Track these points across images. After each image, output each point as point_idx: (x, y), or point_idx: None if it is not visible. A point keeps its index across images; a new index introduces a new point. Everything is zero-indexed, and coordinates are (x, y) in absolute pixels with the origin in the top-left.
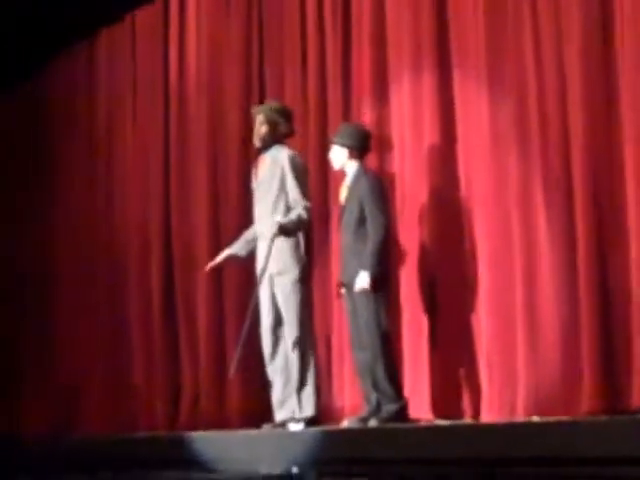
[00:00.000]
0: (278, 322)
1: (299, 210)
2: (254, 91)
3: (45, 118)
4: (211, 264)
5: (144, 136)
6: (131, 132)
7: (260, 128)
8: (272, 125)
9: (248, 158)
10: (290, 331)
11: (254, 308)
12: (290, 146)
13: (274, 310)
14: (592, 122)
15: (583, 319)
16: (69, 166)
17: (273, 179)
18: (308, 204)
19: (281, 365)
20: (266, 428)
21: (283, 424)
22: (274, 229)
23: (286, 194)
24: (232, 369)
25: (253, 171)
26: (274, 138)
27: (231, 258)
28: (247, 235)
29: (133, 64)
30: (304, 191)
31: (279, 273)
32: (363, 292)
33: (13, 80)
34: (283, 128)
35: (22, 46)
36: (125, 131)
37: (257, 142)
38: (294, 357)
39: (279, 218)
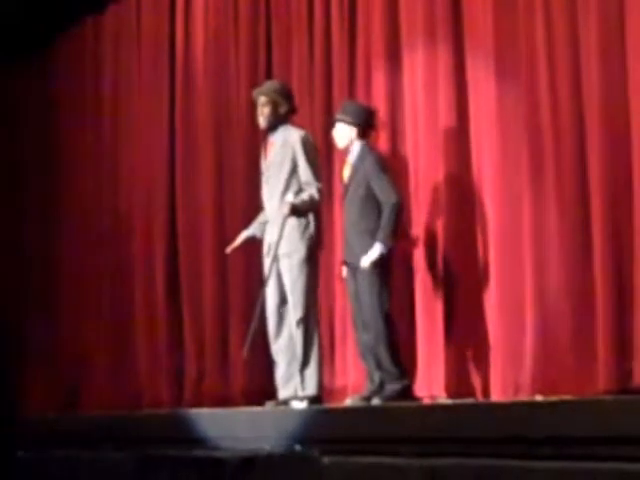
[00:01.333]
0: (283, 301)
1: (311, 191)
2: (261, 67)
3: (51, 93)
4: (231, 246)
5: (150, 116)
6: (137, 111)
7: (263, 109)
8: (274, 105)
9: (254, 139)
10: (295, 311)
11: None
12: (297, 125)
13: (279, 289)
14: (608, 105)
15: (597, 301)
16: (75, 144)
17: (284, 160)
18: (320, 185)
19: (285, 344)
20: (269, 406)
21: (286, 402)
22: (286, 209)
23: (297, 175)
24: (245, 350)
25: (262, 152)
26: (278, 118)
27: (248, 240)
28: (261, 217)
29: (139, 41)
30: (316, 172)
31: (287, 253)
32: (366, 271)
33: (21, 54)
34: (285, 107)
35: (30, 21)
36: (131, 110)
37: (262, 123)
38: (298, 336)
39: (291, 198)
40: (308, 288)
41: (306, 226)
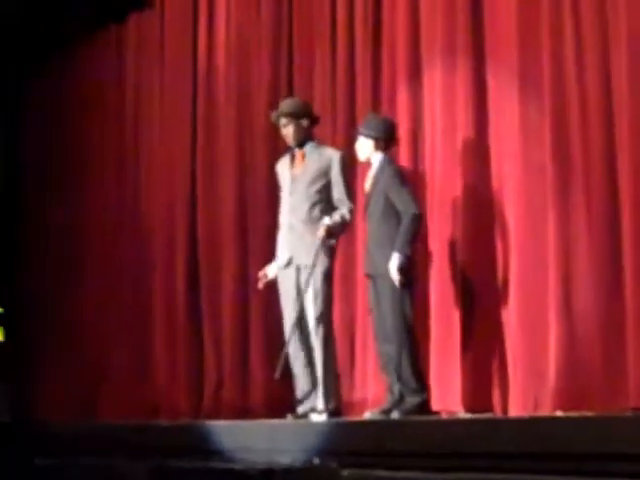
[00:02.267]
0: (302, 314)
1: (344, 211)
2: (282, 78)
3: (74, 99)
4: (265, 281)
5: (172, 122)
6: (158, 119)
7: (288, 130)
8: (296, 122)
9: (276, 146)
10: (316, 324)
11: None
12: (321, 139)
13: (299, 302)
14: (639, 117)
15: (626, 316)
16: (97, 149)
17: (319, 176)
18: (352, 206)
19: (305, 357)
20: (289, 418)
21: (306, 415)
22: (322, 232)
23: (327, 192)
24: (278, 372)
25: (282, 166)
26: (304, 133)
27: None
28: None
29: (161, 49)
30: (349, 192)
31: (310, 266)
32: (388, 281)
33: (43, 62)
34: (306, 120)
35: (52, 28)
36: (152, 118)
37: (292, 143)
38: (318, 349)
39: (328, 221)
40: (329, 300)
41: (325, 242)
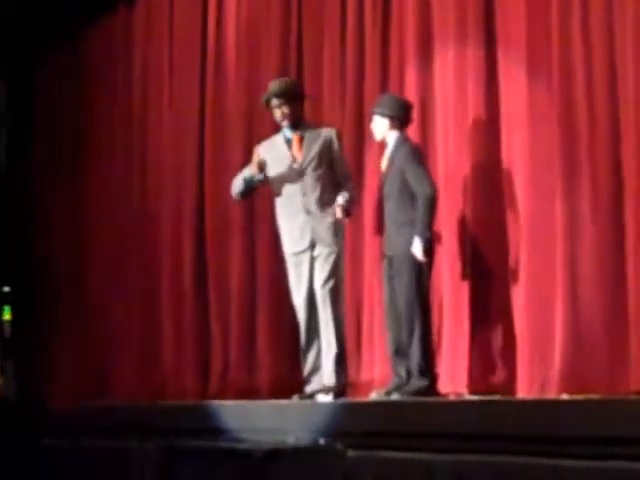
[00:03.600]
0: (313, 296)
1: (351, 188)
2: (292, 60)
3: (83, 82)
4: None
5: (180, 108)
6: (167, 103)
7: (282, 109)
8: (289, 104)
9: None
10: (326, 306)
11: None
12: (330, 121)
13: (309, 284)
14: None
15: (630, 299)
16: (104, 133)
17: (323, 155)
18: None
19: (315, 338)
20: (295, 399)
21: (312, 395)
22: (339, 212)
23: (332, 170)
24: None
25: (283, 149)
26: (299, 115)
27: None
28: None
29: (170, 33)
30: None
31: (323, 249)
32: (406, 262)
33: (51, 44)
34: (299, 102)
35: (64, 9)
36: (161, 102)
37: (286, 123)
38: (330, 330)
39: (341, 200)
40: (340, 282)
41: (340, 222)
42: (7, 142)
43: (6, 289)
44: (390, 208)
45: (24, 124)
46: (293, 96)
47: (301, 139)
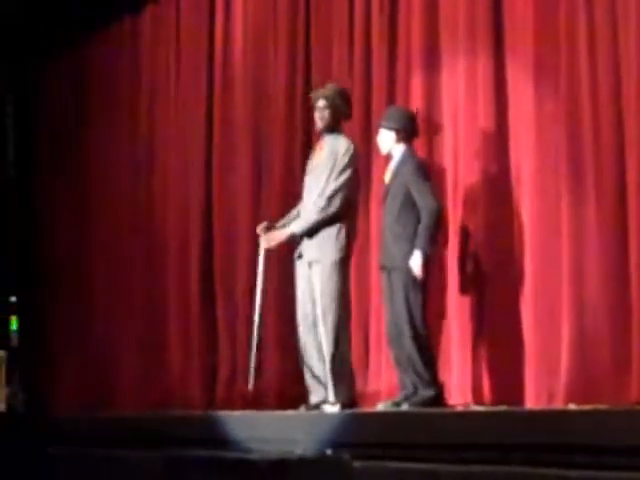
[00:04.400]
0: (314, 306)
1: (306, 216)
2: (299, 69)
3: (89, 90)
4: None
5: (187, 113)
6: (174, 108)
7: (323, 112)
8: (334, 109)
9: (292, 138)
10: (324, 316)
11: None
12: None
13: (311, 296)
14: None
15: (634, 310)
16: (110, 140)
17: (327, 166)
18: (322, 203)
19: (316, 348)
20: (302, 409)
21: (318, 406)
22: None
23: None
24: (250, 382)
25: (312, 153)
26: (336, 122)
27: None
28: (293, 213)
29: (177, 41)
30: (342, 181)
31: (317, 258)
32: (403, 275)
33: (58, 53)
34: (344, 112)
35: (67, 19)
36: (168, 108)
37: (320, 126)
38: (327, 341)
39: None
40: (338, 293)
41: (338, 232)
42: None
43: (13, 299)
44: (389, 220)
45: (28, 131)
46: (340, 104)
47: (322, 147)
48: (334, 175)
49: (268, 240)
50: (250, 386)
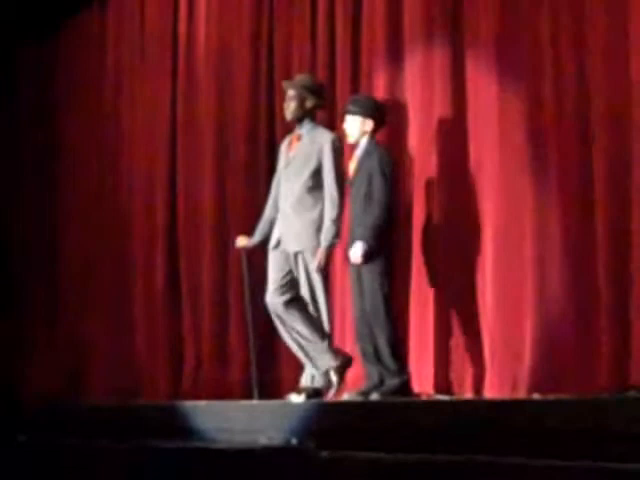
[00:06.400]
0: (296, 297)
1: (331, 214)
2: (262, 59)
3: (54, 80)
4: (242, 250)
5: (151, 106)
6: (139, 101)
7: (290, 103)
8: (301, 99)
9: (256, 131)
10: (313, 305)
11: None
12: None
13: (290, 286)
14: (611, 101)
15: (601, 297)
16: (76, 129)
17: (310, 158)
18: (337, 197)
19: (303, 337)
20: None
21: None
22: (318, 261)
23: (319, 176)
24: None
25: (284, 146)
26: (304, 112)
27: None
28: (267, 215)
29: (142, 31)
30: (339, 179)
31: (301, 249)
32: (369, 266)
33: (26, 40)
34: (312, 102)
35: (34, 8)
36: (133, 100)
37: (288, 116)
38: (312, 331)
39: (323, 243)
40: (321, 282)
41: (321, 222)
42: None
43: None
44: (355, 211)
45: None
46: (304, 91)
47: (299, 138)
48: (328, 169)
49: (319, 265)
50: (255, 398)
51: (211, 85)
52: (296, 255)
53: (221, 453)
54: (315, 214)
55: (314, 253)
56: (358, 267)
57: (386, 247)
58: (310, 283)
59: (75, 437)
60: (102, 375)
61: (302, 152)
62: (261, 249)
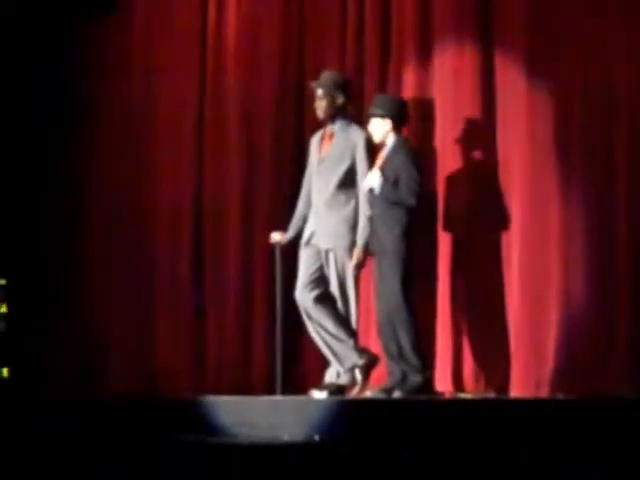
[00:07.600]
0: (325, 293)
1: (366, 212)
2: (292, 60)
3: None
4: (277, 245)
5: (179, 98)
6: (167, 97)
7: (320, 102)
8: (331, 98)
9: (284, 125)
10: (342, 303)
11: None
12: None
13: (320, 282)
14: (638, 104)
15: (620, 300)
16: (104, 127)
17: (344, 155)
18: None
19: (332, 333)
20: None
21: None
22: (354, 261)
23: (353, 173)
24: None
25: (315, 141)
26: (336, 110)
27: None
28: (298, 213)
29: (171, 28)
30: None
31: (333, 247)
32: (391, 259)
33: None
34: (341, 98)
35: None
36: (161, 97)
37: (320, 115)
38: (341, 328)
39: (359, 243)
40: (353, 280)
41: (353, 219)
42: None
43: (2, 282)
44: (379, 206)
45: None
46: (335, 90)
47: (332, 135)
48: (362, 166)
49: (357, 265)
50: (278, 393)
51: (240, 79)
52: (327, 252)
53: (243, 449)
54: (348, 211)
55: (346, 251)
56: (380, 261)
57: (410, 245)
58: (341, 281)
59: (96, 432)
60: (123, 371)
61: (335, 150)
62: (292, 245)
